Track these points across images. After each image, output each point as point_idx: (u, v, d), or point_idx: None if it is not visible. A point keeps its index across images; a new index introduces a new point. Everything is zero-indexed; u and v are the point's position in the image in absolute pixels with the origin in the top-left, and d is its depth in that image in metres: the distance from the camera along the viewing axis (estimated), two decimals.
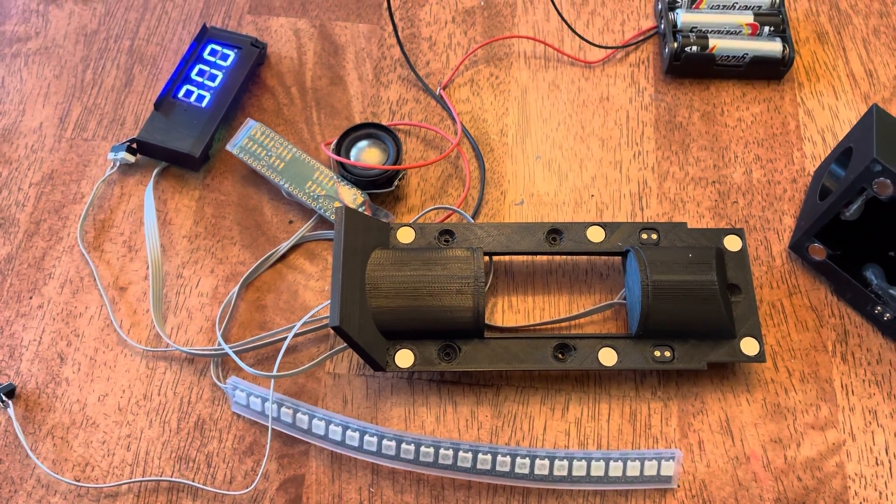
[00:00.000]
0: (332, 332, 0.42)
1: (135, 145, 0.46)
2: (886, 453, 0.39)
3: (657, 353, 0.39)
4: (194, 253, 0.44)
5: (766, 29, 0.50)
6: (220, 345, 0.40)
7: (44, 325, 0.42)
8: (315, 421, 0.38)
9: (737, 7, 0.51)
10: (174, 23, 0.52)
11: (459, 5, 0.53)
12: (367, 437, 0.37)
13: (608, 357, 0.39)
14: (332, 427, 0.38)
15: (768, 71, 0.49)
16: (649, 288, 0.39)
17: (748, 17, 0.50)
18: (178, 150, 0.45)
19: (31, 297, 0.43)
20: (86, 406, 0.40)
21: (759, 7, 0.51)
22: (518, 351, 0.39)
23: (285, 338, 0.40)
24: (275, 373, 0.38)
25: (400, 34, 0.52)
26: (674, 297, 0.39)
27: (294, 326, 0.40)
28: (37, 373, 0.41)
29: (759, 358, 0.39)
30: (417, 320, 0.39)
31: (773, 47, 0.49)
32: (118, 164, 0.46)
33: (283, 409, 0.38)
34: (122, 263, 0.44)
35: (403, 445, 0.37)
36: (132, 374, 0.41)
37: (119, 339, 0.42)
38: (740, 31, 0.50)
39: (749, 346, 0.40)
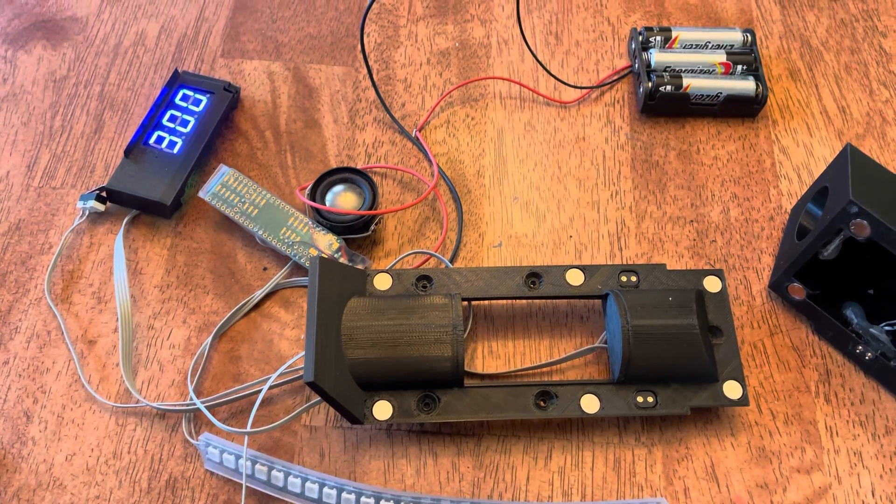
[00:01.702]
0: None
1: (104, 193, 0.45)
2: (873, 496, 0.39)
3: (640, 399, 0.39)
4: (166, 303, 0.43)
5: (739, 68, 0.50)
6: (191, 399, 0.39)
7: (9, 381, 0.41)
8: (291, 478, 0.37)
9: (709, 46, 0.51)
10: (146, 67, 0.51)
11: (434, 47, 0.53)
12: (344, 495, 0.36)
13: (590, 404, 0.39)
14: (308, 484, 0.37)
15: (742, 109, 0.50)
16: (630, 333, 0.38)
17: (721, 57, 0.50)
18: (148, 197, 0.44)
19: None
20: (53, 466, 0.39)
21: (732, 46, 0.51)
22: (499, 400, 0.39)
23: (259, 391, 0.39)
24: (248, 429, 0.37)
25: (375, 76, 0.51)
26: (655, 342, 0.38)
27: (269, 379, 0.39)
28: (2, 432, 0.40)
29: (743, 401, 0.39)
30: (395, 371, 0.38)
31: (747, 86, 0.49)
32: (87, 212, 0.45)
33: (258, 467, 0.37)
34: (90, 316, 0.43)
35: (382, 502, 0.36)
36: (101, 432, 0.40)
37: (87, 394, 0.41)
38: (713, 70, 0.50)
39: (732, 389, 0.39)
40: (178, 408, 0.39)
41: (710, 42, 0.51)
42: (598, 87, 0.51)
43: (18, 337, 0.42)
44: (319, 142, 0.49)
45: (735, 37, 0.51)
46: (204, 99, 0.48)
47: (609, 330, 0.41)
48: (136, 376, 0.41)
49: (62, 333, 0.42)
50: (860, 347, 0.41)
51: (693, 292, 0.40)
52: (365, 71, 0.52)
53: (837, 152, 0.49)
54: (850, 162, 0.40)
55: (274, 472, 0.37)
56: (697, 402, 0.39)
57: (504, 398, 0.39)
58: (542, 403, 0.39)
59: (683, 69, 0.50)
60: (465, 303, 0.43)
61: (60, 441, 0.39)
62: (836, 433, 0.40)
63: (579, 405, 0.39)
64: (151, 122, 0.47)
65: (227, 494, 0.38)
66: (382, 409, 0.38)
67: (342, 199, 0.45)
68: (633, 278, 0.42)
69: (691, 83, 0.49)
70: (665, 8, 0.55)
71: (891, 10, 0.55)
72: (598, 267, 0.42)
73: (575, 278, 0.42)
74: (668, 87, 0.49)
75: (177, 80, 0.48)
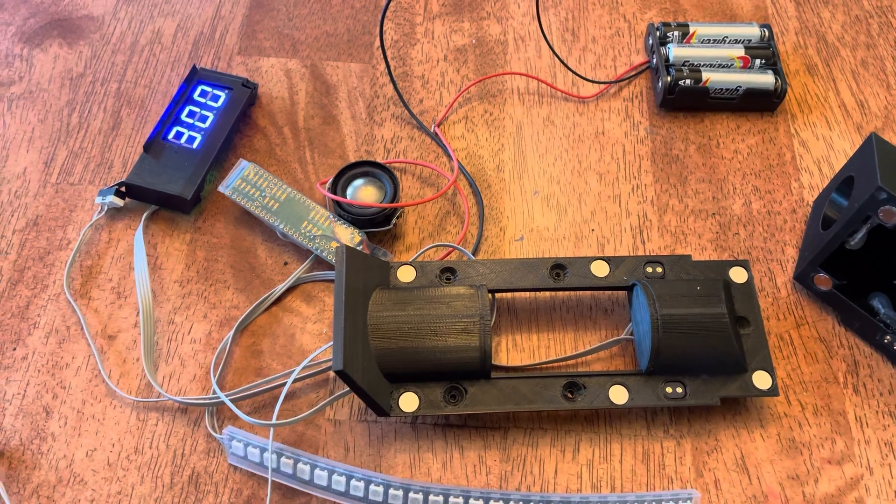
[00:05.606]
0: (332, 376, 0.41)
1: (123, 188, 0.45)
2: None
3: (669, 390, 0.38)
4: (186, 298, 0.43)
5: (758, 62, 0.50)
6: (214, 393, 0.39)
7: (28, 377, 0.40)
8: (317, 471, 0.36)
9: (727, 41, 0.51)
10: (162, 65, 0.51)
11: (451, 44, 0.53)
12: (372, 487, 0.36)
13: (619, 395, 0.38)
14: (335, 477, 0.36)
15: (761, 103, 0.50)
16: (659, 322, 0.38)
17: (739, 51, 0.50)
18: (168, 192, 0.44)
19: (14, 349, 0.41)
20: (73, 462, 0.38)
21: (750, 41, 0.51)
22: (527, 391, 0.38)
23: (284, 384, 0.38)
24: (274, 421, 0.37)
25: (392, 72, 0.51)
26: (684, 330, 0.38)
27: (293, 371, 0.39)
28: (21, 428, 0.39)
29: (773, 392, 0.38)
30: (422, 361, 0.37)
31: (766, 79, 0.49)
32: (106, 208, 0.45)
33: (283, 459, 0.37)
34: (110, 311, 0.42)
35: (411, 494, 0.35)
36: (122, 427, 0.39)
37: (108, 389, 0.40)
38: (732, 65, 0.50)
39: (761, 379, 0.39)
40: (201, 401, 0.39)
41: (727, 37, 0.51)
42: (616, 81, 0.51)
43: (37, 332, 0.42)
44: (338, 138, 0.49)
45: (753, 32, 0.51)
46: (222, 95, 0.48)
47: (635, 321, 0.41)
48: (157, 371, 0.41)
49: (82, 328, 0.42)
50: (888, 337, 0.41)
51: (721, 282, 0.40)
52: (382, 67, 0.52)
53: (857, 146, 0.49)
54: (877, 150, 0.39)
55: (300, 465, 0.36)
56: (727, 393, 0.38)
57: (532, 389, 0.38)
58: (570, 395, 0.38)
59: (702, 63, 0.50)
60: (490, 295, 0.42)
61: (81, 437, 0.39)
62: (867, 424, 0.40)
63: (608, 396, 0.38)
64: (170, 117, 0.47)
65: (252, 489, 0.38)
66: (409, 401, 0.37)
67: (363, 193, 0.45)
68: (659, 269, 0.41)
69: (710, 77, 0.49)
70: (680, 4, 0.55)
71: None
72: (623, 258, 0.42)
73: (600, 269, 0.41)
74: (688, 81, 0.49)
75: (195, 76, 0.48)
